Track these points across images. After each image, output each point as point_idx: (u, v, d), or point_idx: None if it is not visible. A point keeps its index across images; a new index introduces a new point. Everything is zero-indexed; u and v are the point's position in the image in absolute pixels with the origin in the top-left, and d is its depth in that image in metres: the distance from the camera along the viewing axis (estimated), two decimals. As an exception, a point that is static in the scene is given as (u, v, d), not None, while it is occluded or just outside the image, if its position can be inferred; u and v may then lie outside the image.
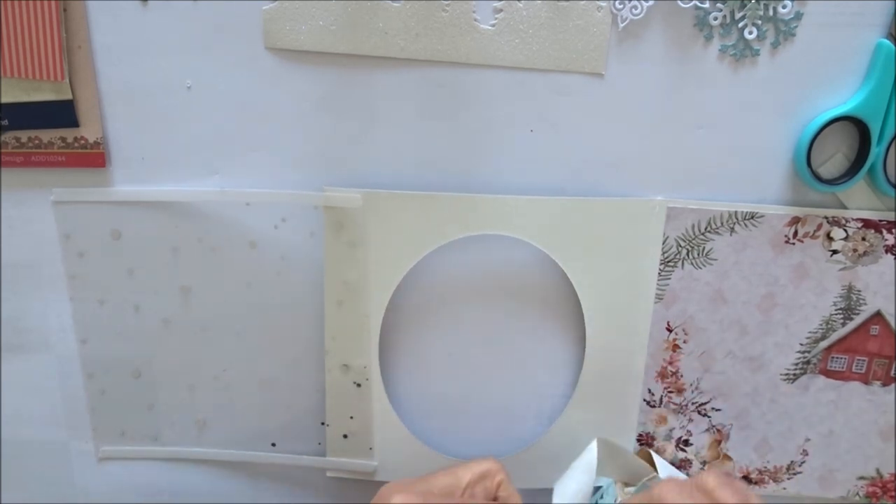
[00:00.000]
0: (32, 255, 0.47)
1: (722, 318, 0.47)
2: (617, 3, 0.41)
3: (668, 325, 0.47)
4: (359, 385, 0.48)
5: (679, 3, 0.41)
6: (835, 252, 0.46)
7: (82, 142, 0.44)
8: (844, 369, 0.48)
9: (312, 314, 0.47)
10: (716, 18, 0.42)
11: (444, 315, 0.48)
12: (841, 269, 0.46)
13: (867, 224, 0.45)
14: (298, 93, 0.43)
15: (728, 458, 0.50)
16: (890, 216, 0.45)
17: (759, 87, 0.43)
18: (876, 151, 0.43)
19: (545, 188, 0.45)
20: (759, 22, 0.42)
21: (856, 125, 0.43)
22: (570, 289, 0.46)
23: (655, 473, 0.46)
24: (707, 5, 0.41)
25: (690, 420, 0.50)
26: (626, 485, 0.46)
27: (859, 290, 0.47)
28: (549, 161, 0.45)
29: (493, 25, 0.42)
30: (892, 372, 0.48)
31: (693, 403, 0.49)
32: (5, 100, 0.42)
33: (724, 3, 0.41)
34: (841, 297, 0.47)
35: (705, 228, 0.45)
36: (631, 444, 0.50)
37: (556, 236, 0.45)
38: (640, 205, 0.45)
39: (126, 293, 0.47)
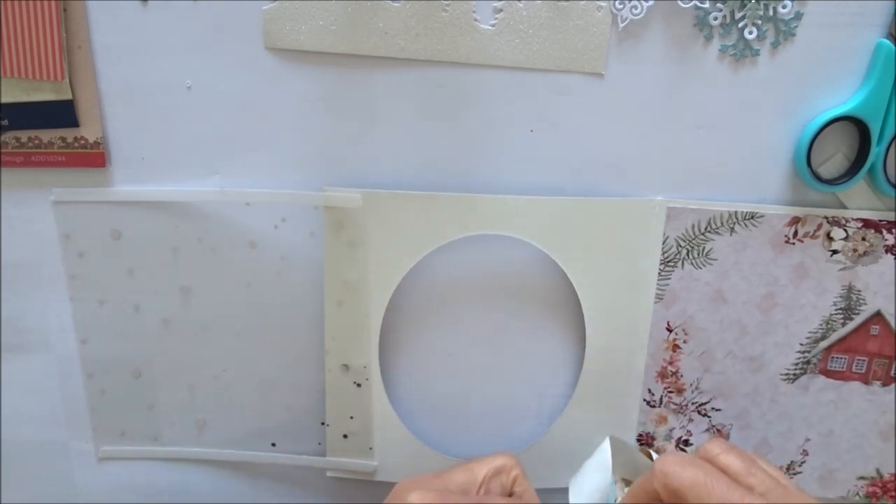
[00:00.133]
0: (32, 255, 0.47)
1: (722, 318, 0.47)
2: (617, 3, 0.41)
3: (668, 325, 0.47)
4: (359, 385, 0.48)
5: (679, 3, 0.41)
6: (835, 252, 0.46)
7: (82, 142, 0.44)
8: (844, 369, 0.48)
9: (312, 314, 0.47)
10: (716, 18, 0.42)
11: (444, 315, 0.48)
12: (841, 269, 0.46)
13: (867, 224, 0.45)
14: (298, 93, 0.43)
15: (728, 458, 0.50)
16: (890, 216, 0.45)
17: (759, 87, 0.43)
18: (876, 151, 0.43)
19: (545, 188, 0.45)
20: (759, 22, 0.42)
21: (856, 125, 0.43)
22: (570, 289, 0.46)
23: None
24: (707, 5, 0.41)
25: (690, 420, 0.50)
26: (627, 483, 0.46)
27: (859, 290, 0.47)
28: (549, 161, 0.45)
29: (493, 25, 0.42)
30: (892, 372, 0.48)
31: (693, 403, 0.49)
32: (5, 100, 0.42)
33: (724, 3, 0.41)
34: (841, 297, 0.47)
35: (705, 228, 0.45)
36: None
37: (556, 236, 0.45)
38: (640, 205, 0.45)
39: (126, 293, 0.47)
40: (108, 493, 0.52)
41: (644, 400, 0.49)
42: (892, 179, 0.44)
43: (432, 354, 0.49)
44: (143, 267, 0.47)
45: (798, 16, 0.41)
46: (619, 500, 0.44)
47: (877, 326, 0.47)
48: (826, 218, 0.45)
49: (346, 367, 0.48)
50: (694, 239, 0.46)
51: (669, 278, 0.46)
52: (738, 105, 0.43)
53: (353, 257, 0.45)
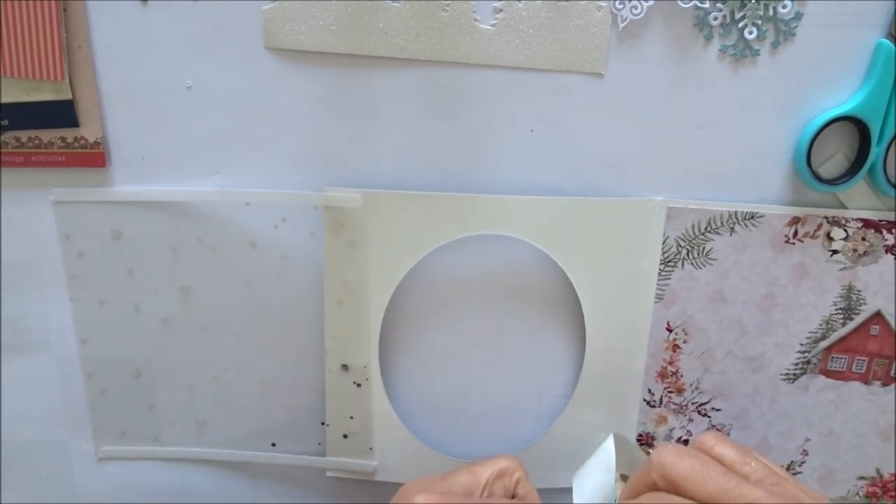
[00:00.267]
0: (32, 255, 0.47)
1: (722, 318, 0.47)
2: (617, 3, 0.41)
3: (668, 325, 0.47)
4: (359, 385, 0.48)
5: (679, 3, 0.41)
6: (835, 252, 0.46)
7: (82, 142, 0.44)
8: (844, 369, 0.48)
9: (312, 314, 0.47)
10: (716, 18, 0.42)
11: (444, 315, 0.48)
12: (841, 269, 0.46)
13: (867, 224, 0.45)
14: (298, 93, 0.43)
15: (728, 458, 0.50)
16: (890, 216, 0.45)
17: (759, 87, 0.43)
18: (876, 151, 0.43)
19: (545, 188, 0.45)
20: (759, 22, 0.42)
21: (856, 125, 0.43)
22: (570, 289, 0.46)
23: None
24: (707, 5, 0.41)
25: (690, 420, 0.50)
26: (626, 479, 0.46)
27: (859, 290, 0.47)
28: (549, 161, 0.45)
29: (493, 25, 0.42)
30: (892, 372, 0.48)
31: (693, 403, 0.49)
32: (5, 100, 0.42)
33: (724, 3, 0.41)
34: (841, 297, 0.47)
35: (705, 228, 0.45)
36: (631, 444, 0.50)
37: (556, 236, 0.45)
38: (640, 205, 0.45)
39: (126, 293, 0.47)
40: (108, 493, 0.52)
41: (644, 400, 0.49)
42: (892, 179, 0.44)
43: (432, 354, 0.49)
44: (143, 267, 0.47)
45: (798, 16, 0.41)
46: (618, 496, 0.44)
47: (877, 326, 0.47)
48: (826, 218, 0.45)
49: (345, 367, 0.48)
50: (694, 239, 0.46)
51: (669, 278, 0.46)
52: (738, 105, 0.43)
53: (353, 257, 0.45)
